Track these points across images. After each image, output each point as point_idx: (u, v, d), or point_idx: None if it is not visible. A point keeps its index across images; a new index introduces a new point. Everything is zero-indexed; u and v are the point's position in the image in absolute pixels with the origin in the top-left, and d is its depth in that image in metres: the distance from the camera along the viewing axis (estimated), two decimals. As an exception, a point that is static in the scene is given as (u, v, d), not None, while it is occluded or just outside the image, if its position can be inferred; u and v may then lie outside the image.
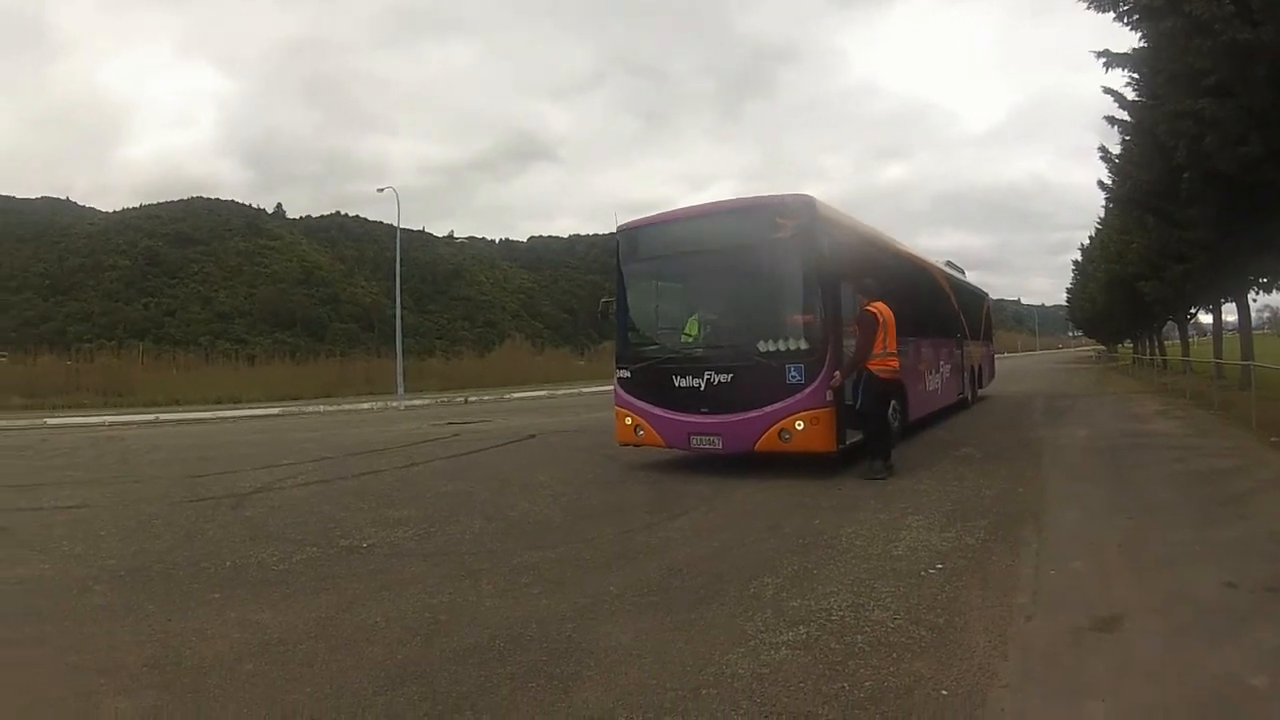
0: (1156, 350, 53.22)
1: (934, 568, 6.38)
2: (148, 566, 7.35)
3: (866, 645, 4.76)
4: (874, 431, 11.10)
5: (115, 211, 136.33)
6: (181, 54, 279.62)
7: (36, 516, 10.20)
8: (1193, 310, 39.91)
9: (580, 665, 4.55)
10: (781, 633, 4.99)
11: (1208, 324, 40.84)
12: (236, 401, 39.98)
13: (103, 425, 28.53)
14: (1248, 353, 26.88)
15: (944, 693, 4.11)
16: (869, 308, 10.87)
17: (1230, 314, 32.99)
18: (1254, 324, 30.88)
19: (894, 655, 4.60)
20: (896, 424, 13.27)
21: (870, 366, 10.83)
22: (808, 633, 4.99)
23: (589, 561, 6.95)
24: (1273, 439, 13.41)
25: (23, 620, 5.88)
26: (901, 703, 4.00)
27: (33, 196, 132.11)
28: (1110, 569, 6.35)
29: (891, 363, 10.99)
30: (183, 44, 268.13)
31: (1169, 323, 48.89)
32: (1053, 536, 7.44)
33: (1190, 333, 45.00)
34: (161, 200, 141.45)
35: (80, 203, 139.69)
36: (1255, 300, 30.09)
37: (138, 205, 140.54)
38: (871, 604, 5.50)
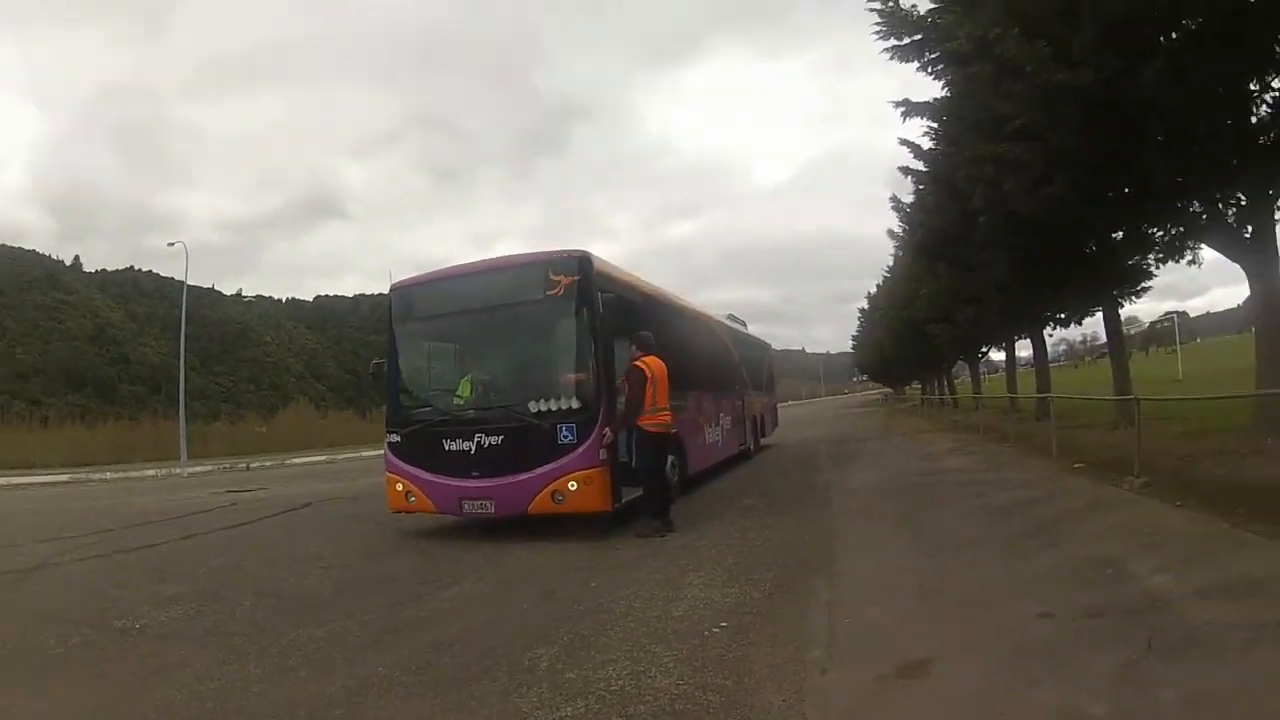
0: (945, 389, 55.39)
1: (718, 626, 6.27)
2: (-75, 649, 6.90)
3: (649, 715, 4.64)
4: (648, 489, 10.99)
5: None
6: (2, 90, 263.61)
7: None
8: (984, 349, 41.26)
9: None
10: (559, 708, 4.84)
11: (999, 360, 42.14)
12: (29, 466, 38.39)
13: None
14: (1044, 385, 27.87)
15: None
16: (637, 363, 10.76)
17: (1025, 349, 34.08)
18: (1050, 357, 31.85)
19: None
20: (675, 479, 13.22)
21: (641, 422, 10.72)
22: (586, 707, 4.84)
23: (357, 639, 6.71)
24: (1076, 466, 13.81)
25: None
26: None
27: None
28: (911, 612, 6.31)
29: (663, 417, 10.88)
30: (3, 80, 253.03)
31: (959, 362, 50.24)
32: (845, 584, 7.41)
33: (981, 370, 46.50)
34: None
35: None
36: (1051, 334, 31.16)
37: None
38: (653, 670, 5.38)
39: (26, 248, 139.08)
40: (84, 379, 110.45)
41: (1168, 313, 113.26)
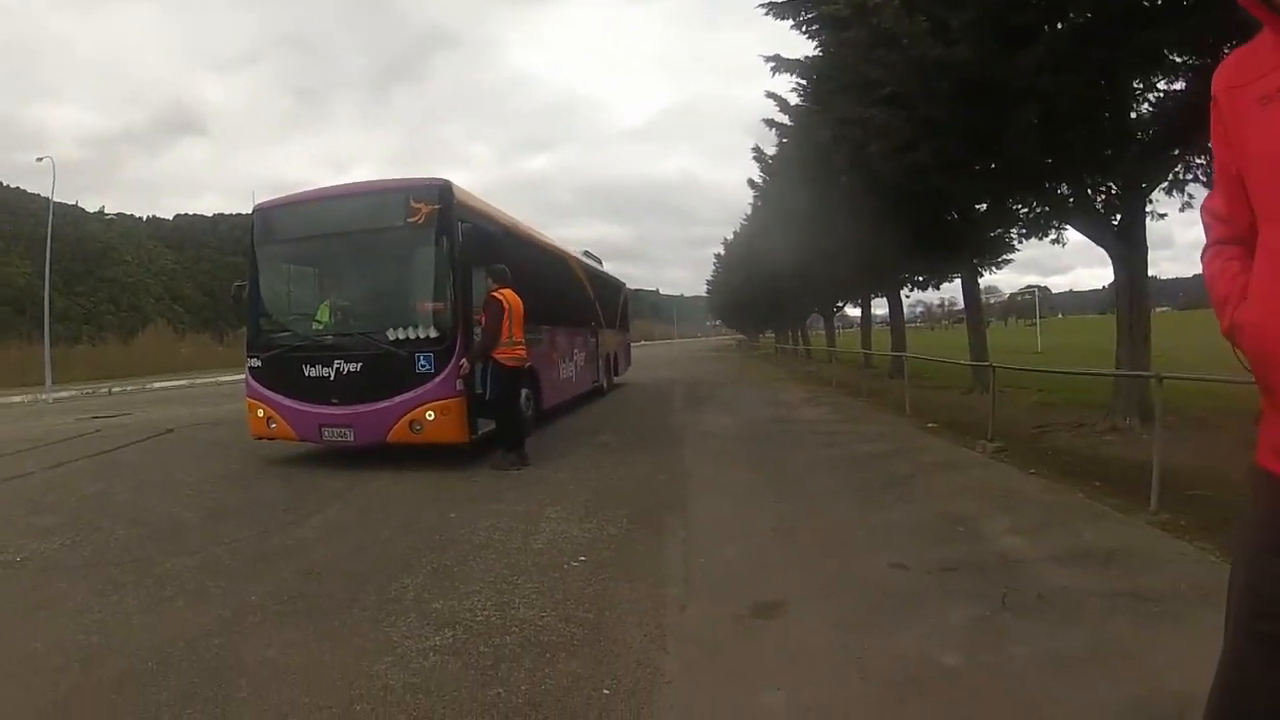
0: (800, 340, 56.03)
1: (577, 559, 6.45)
2: None
3: (517, 646, 4.75)
4: (502, 422, 11.14)
5: None
6: None
7: None
8: (840, 303, 41.53)
9: (232, 686, 4.40)
10: (428, 638, 4.96)
11: (855, 315, 42.30)
12: (-112, 394, 36.75)
13: None
14: (899, 344, 28.21)
15: (606, 692, 4.11)
16: (495, 294, 10.82)
17: (880, 307, 34.16)
18: (907, 318, 32.26)
19: (547, 655, 4.59)
20: (530, 413, 13.41)
21: (496, 355, 10.80)
22: (454, 636, 4.96)
23: (229, 567, 6.75)
24: (929, 425, 14.11)
25: None
26: (562, 705, 3.98)
27: None
28: (766, 555, 6.49)
29: (518, 351, 10.98)
30: None
31: (814, 314, 50.57)
32: (700, 524, 7.59)
33: (836, 325, 47.06)
34: None
35: None
36: (909, 296, 31.55)
37: None
38: (517, 601, 5.51)
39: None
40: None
41: (1029, 286, 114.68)
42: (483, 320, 10.99)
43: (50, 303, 38.82)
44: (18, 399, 34.17)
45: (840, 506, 8.28)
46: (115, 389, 37.64)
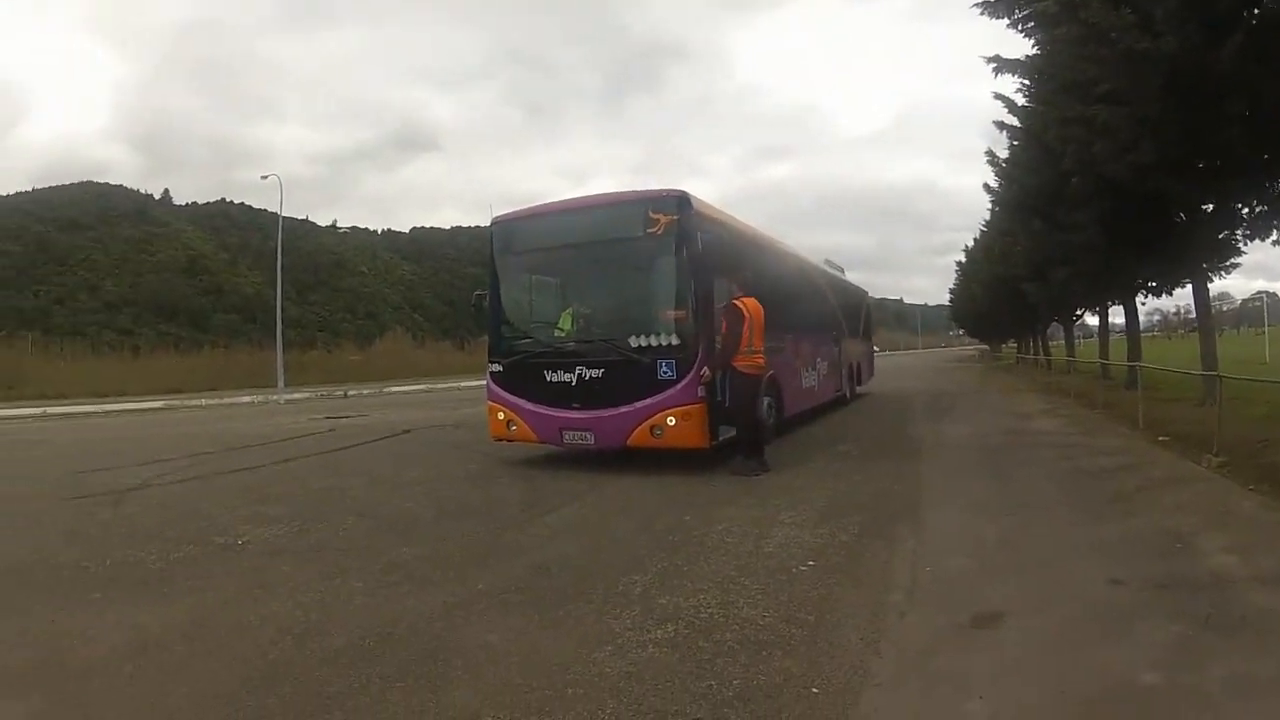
0: (1040, 350, 54.23)
1: (806, 564, 6.33)
2: (31, 565, 7.17)
3: (735, 643, 4.71)
4: (742, 429, 11.02)
5: (8, 195, 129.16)
6: (75, 35, 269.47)
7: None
8: (1078, 312, 40.36)
9: (448, 665, 4.48)
10: (650, 630, 4.95)
11: (1094, 324, 40.94)
12: (122, 394, 39.60)
13: None
14: (1135, 354, 27.15)
15: (815, 690, 4.07)
16: (736, 302, 10.78)
17: (1118, 315, 33.21)
18: (1143, 326, 31.19)
19: (763, 653, 4.55)
20: (771, 420, 13.27)
21: (735, 363, 10.72)
22: (676, 631, 4.94)
23: (458, 559, 6.86)
24: (1160, 438, 13.51)
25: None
26: (771, 701, 3.95)
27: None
28: (990, 566, 6.34)
29: (757, 359, 10.86)
30: (79, 24, 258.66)
31: (1054, 324, 49.34)
32: (930, 533, 7.43)
33: (1076, 334, 45.56)
34: (54, 185, 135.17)
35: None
36: (1144, 304, 30.52)
37: (30, 190, 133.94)
38: (741, 601, 5.45)
39: (113, 183, 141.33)
40: (176, 309, 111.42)
41: (1258, 292, 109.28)
42: (723, 327, 10.98)
43: (282, 310, 40.58)
44: (247, 399, 35.77)
45: (1066, 519, 8.02)
46: (351, 392, 38.89)
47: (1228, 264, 22.13)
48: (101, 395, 38.40)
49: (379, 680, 4.31)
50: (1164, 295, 27.77)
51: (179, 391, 40.79)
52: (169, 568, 6.90)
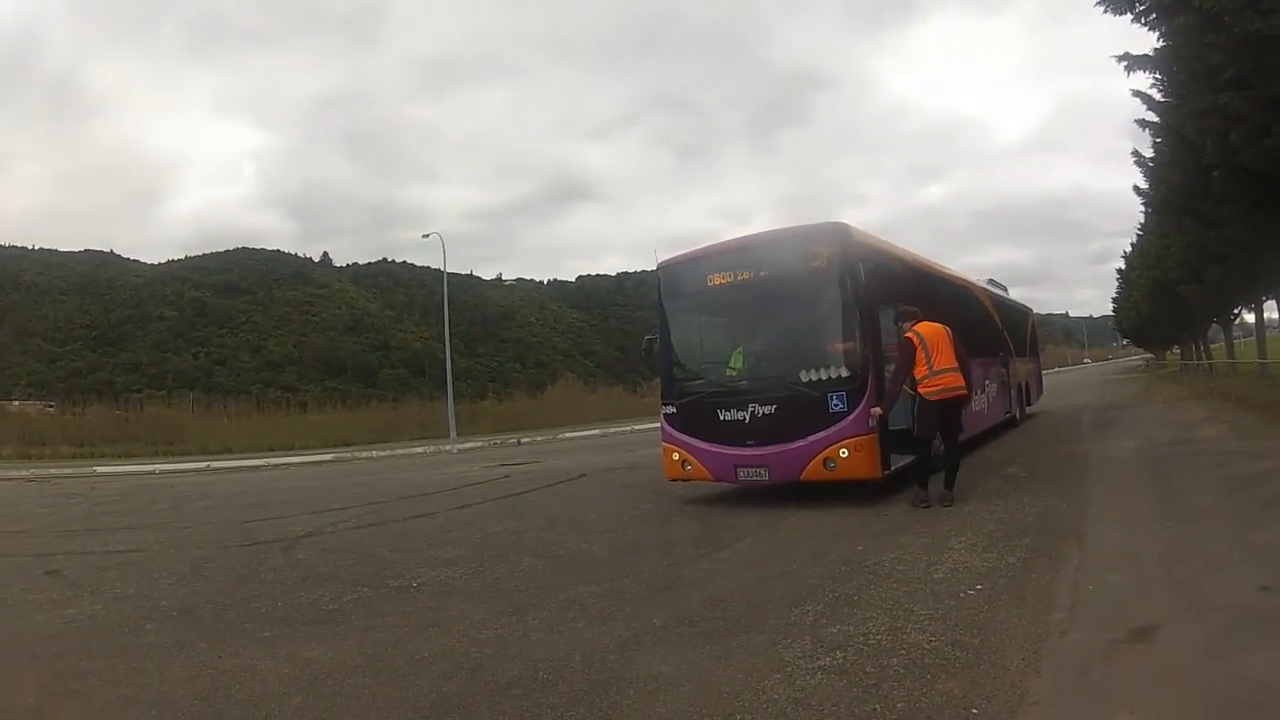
0: (1202, 354, 53.78)
1: (973, 589, 6.40)
2: (199, 607, 7.62)
3: (901, 668, 4.82)
4: (948, 454, 10.91)
5: (161, 264, 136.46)
6: (218, 112, 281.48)
7: (88, 560, 10.69)
8: (1236, 310, 40.27)
9: (620, 695, 4.65)
10: (818, 658, 5.06)
11: (1252, 322, 40.91)
12: (289, 449, 40.74)
13: (153, 473, 29.38)
14: None
15: (974, 711, 4.17)
16: (907, 334, 10.65)
17: (1273, 310, 33.64)
18: None
19: (927, 676, 4.65)
20: (943, 447, 13.06)
21: (921, 390, 10.54)
22: (844, 657, 5.04)
23: (633, 595, 7.05)
24: None
25: (74, 656, 6.15)
26: None
27: (75, 250, 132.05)
28: (1148, 580, 6.38)
29: (941, 380, 10.51)
30: (219, 102, 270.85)
31: (1213, 325, 48.98)
32: (1093, 551, 7.46)
33: (1235, 334, 45.50)
34: (207, 252, 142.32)
35: (125, 255, 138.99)
36: None
37: (183, 257, 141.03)
38: (909, 627, 5.54)
39: (270, 249, 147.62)
40: (342, 366, 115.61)
41: None
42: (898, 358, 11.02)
43: (451, 361, 41.59)
44: (420, 449, 36.52)
45: (1223, 528, 8.00)
46: (524, 439, 39.45)
47: None
48: (268, 450, 39.68)
49: (550, 710, 4.51)
50: None
51: (348, 444, 41.87)
52: (341, 608, 7.25)
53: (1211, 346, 58.80)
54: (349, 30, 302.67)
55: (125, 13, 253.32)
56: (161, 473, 29.61)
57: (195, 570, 9.50)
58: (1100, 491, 10.69)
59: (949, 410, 10.64)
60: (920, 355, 10.36)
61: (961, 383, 10.56)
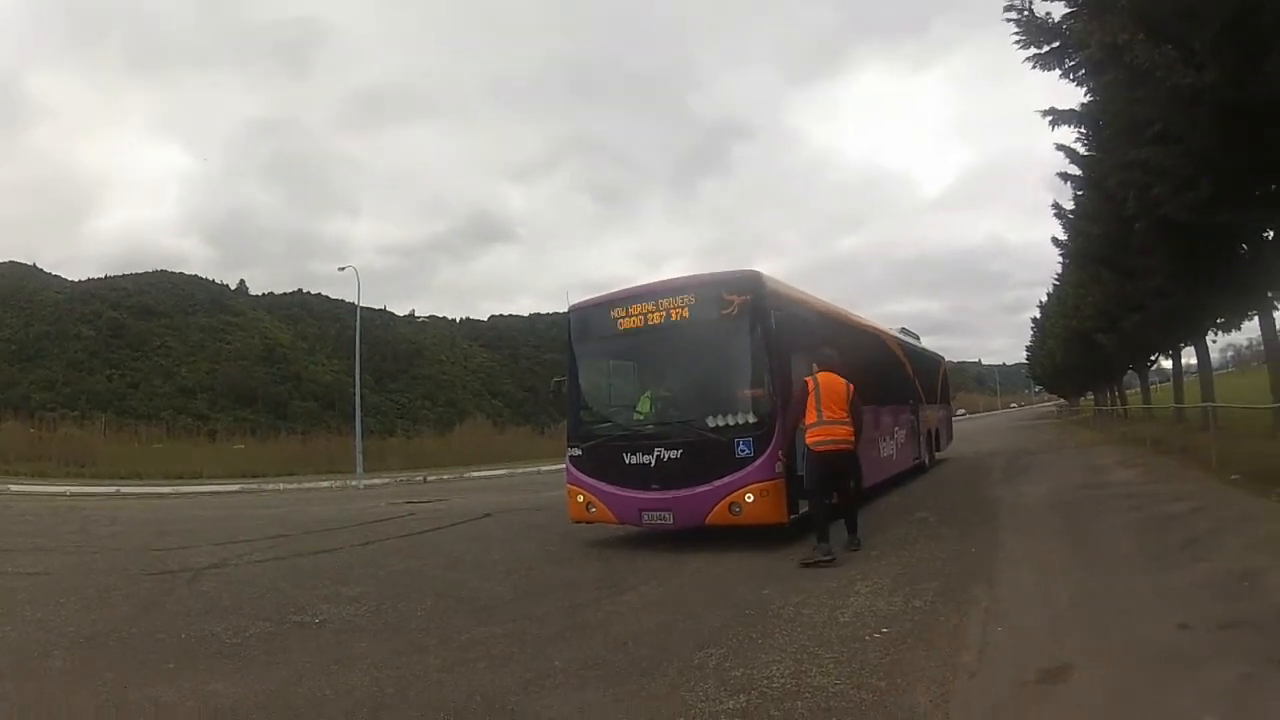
0: (1117, 400, 55.21)
1: (879, 632, 6.41)
2: (106, 634, 7.49)
3: (806, 711, 4.81)
4: (812, 508, 10.60)
5: (82, 281, 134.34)
6: (150, 131, 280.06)
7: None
8: (1153, 357, 40.99)
9: None
10: (722, 701, 5.04)
11: (1169, 368, 41.81)
12: (197, 477, 40.47)
13: (64, 494, 29.09)
14: (1208, 394, 27.26)
15: None
16: (806, 379, 10.63)
17: (1191, 356, 33.68)
18: (1218, 364, 31.37)
19: (832, 719, 4.66)
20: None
21: (807, 440, 10.42)
22: (748, 701, 5.03)
23: (535, 636, 6.98)
24: (1233, 477, 13.72)
25: (-16, 678, 6.03)
26: None
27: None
28: (1060, 622, 6.42)
29: (825, 432, 10.31)
30: (151, 122, 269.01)
31: (1129, 371, 49.96)
32: (1003, 594, 7.53)
33: (1152, 379, 46.31)
34: (127, 272, 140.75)
35: (47, 270, 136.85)
36: (1215, 340, 31.05)
37: (103, 276, 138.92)
38: (814, 670, 5.54)
39: (188, 273, 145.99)
40: (254, 396, 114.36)
41: None
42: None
43: (361, 397, 41.43)
44: (326, 484, 36.41)
45: (1137, 569, 8.20)
46: (431, 477, 39.41)
47: None
48: (177, 478, 39.31)
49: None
50: (1234, 331, 28.27)
51: (256, 476, 41.60)
52: (244, 642, 7.13)
53: (1127, 392, 60.16)
54: (284, 58, 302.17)
55: (71, 23, 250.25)
56: (72, 495, 29.27)
57: (102, 597, 9.36)
58: (1011, 536, 10.86)
59: (837, 463, 10.47)
60: (811, 402, 10.33)
61: (849, 436, 10.43)
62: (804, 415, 10.40)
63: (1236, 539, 9.18)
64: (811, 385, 10.41)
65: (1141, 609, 6.56)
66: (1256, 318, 22.24)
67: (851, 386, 10.61)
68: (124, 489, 32.07)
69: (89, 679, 6.00)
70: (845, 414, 10.43)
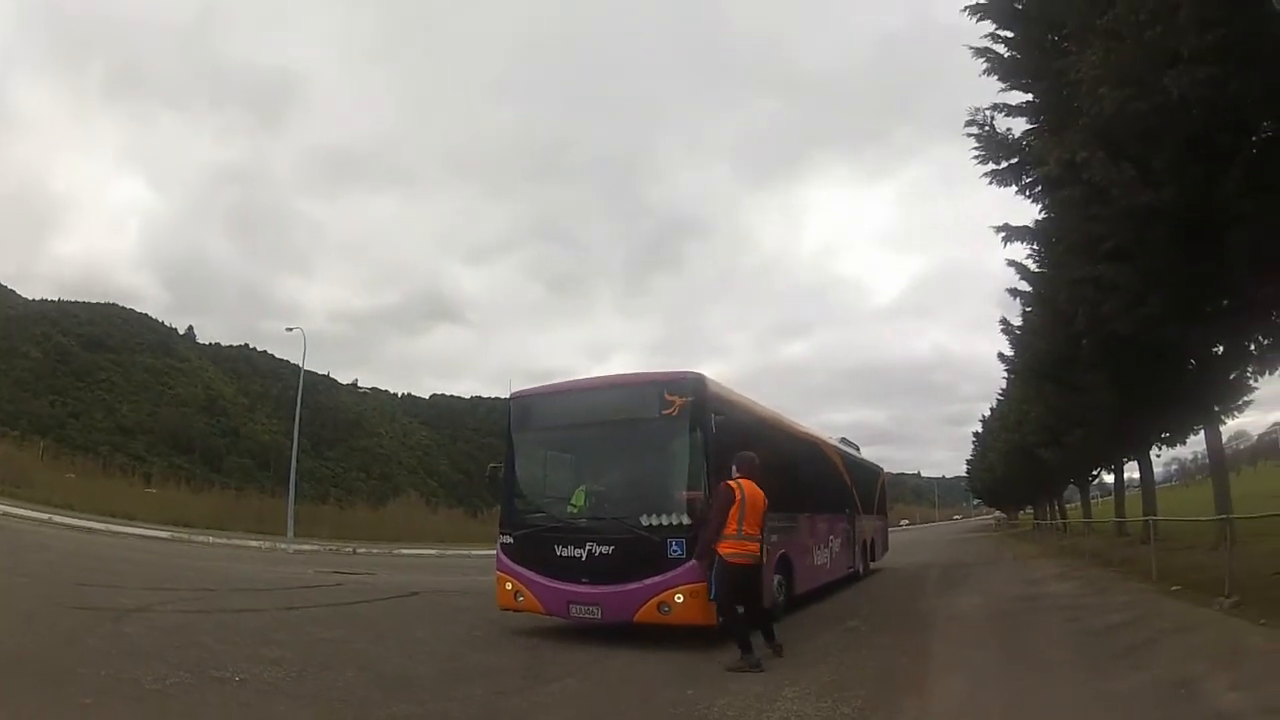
0: (1057, 514, 55.16)
1: None
2: (25, 661, 7.47)
3: None
4: (723, 623, 10.41)
5: (35, 300, 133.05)
6: (118, 163, 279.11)
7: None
8: (1095, 471, 41.17)
9: None
10: None
11: (1111, 483, 41.69)
12: (129, 517, 39.94)
13: None
14: (1150, 507, 27.52)
15: None
16: (729, 482, 10.37)
17: (1134, 470, 33.78)
18: (1161, 477, 31.59)
19: None
20: (781, 599, 13.38)
21: (721, 550, 10.15)
22: None
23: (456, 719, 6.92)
24: (1174, 588, 13.78)
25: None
26: None
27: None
28: None
29: (749, 546, 10.23)
30: (120, 153, 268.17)
31: (1070, 485, 50.11)
32: (935, 703, 7.56)
33: (1093, 493, 46.65)
34: (80, 300, 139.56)
35: (3, 283, 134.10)
36: (1159, 454, 31.22)
37: (56, 300, 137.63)
38: None
39: (139, 310, 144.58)
40: (191, 445, 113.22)
41: (1276, 423, 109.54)
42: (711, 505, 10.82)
43: (297, 461, 41.13)
44: (255, 543, 36.12)
45: (1073, 679, 8.23)
46: (360, 549, 39.23)
47: (1240, 403, 23.26)
48: (110, 514, 38.72)
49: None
50: (1179, 445, 28.96)
51: (187, 525, 41.06)
52: (163, 690, 7.05)
53: (1067, 506, 60.46)
54: (257, 108, 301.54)
55: (53, 40, 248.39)
56: (5, 514, 29.11)
57: (25, 623, 9.31)
58: (944, 646, 10.91)
59: (749, 576, 10.34)
60: (734, 513, 10.08)
61: (759, 553, 10.36)
62: (724, 524, 10.13)
63: (1175, 648, 9.31)
64: (737, 494, 10.16)
65: (1077, 718, 6.65)
66: (1202, 431, 22.62)
67: (766, 501, 10.51)
68: (56, 517, 31.87)
69: (6, 704, 5.94)
70: (759, 531, 10.35)
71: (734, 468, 10.58)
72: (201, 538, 34.92)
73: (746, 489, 10.25)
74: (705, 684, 8.61)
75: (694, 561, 10.55)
